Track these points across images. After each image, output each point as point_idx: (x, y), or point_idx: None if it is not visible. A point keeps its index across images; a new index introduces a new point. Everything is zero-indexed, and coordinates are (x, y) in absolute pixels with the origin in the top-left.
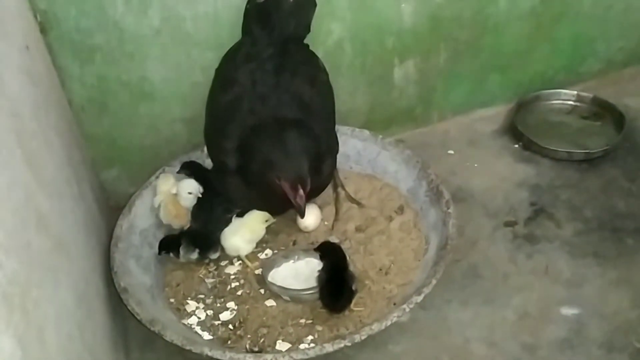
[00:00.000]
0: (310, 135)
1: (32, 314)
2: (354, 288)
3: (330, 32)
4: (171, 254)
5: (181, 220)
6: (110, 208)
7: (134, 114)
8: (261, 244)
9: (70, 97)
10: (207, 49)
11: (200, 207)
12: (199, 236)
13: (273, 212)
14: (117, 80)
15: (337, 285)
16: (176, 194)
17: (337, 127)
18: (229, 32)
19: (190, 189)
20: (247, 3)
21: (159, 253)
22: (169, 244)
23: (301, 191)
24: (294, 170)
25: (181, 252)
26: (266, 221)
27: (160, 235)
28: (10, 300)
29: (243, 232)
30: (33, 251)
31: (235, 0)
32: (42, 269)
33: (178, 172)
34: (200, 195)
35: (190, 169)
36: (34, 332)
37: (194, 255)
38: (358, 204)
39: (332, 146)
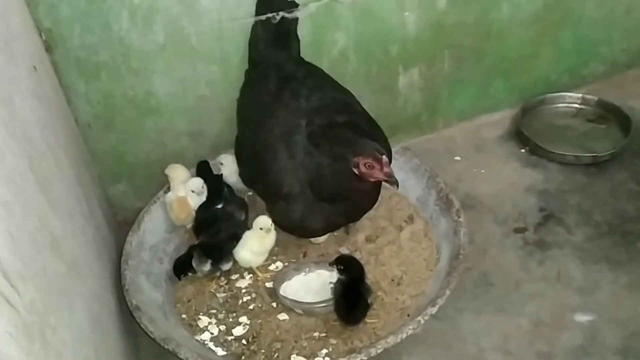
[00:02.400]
0: (364, 131)
1: (50, 341)
2: (369, 301)
3: (335, 42)
4: (189, 274)
5: (184, 220)
6: (118, 223)
7: (140, 129)
8: (271, 256)
9: (76, 115)
10: (212, 63)
11: (209, 219)
12: (211, 247)
13: (351, 218)
14: (123, 96)
15: (352, 298)
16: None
17: None
18: (234, 45)
19: (193, 187)
20: (254, 29)
21: (179, 279)
22: (183, 265)
23: (386, 160)
24: (371, 146)
25: (194, 263)
26: (268, 230)
27: (170, 251)
28: (30, 330)
29: (251, 245)
30: (49, 276)
31: (239, 13)
32: (58, 293)
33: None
34: (204, 195)
35: (203, 171)
36: (53, 359)
37: (207, 266)
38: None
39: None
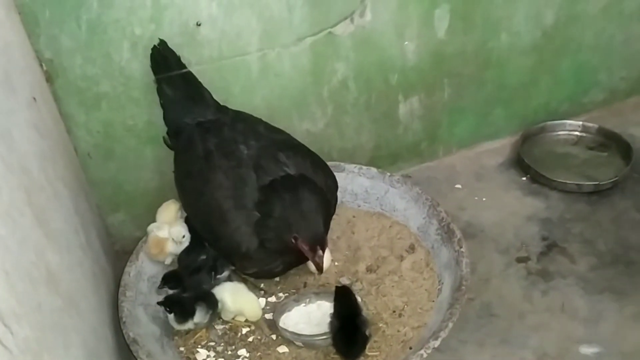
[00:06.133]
0: (317, 188)
1: None
2: (367, 333)
3: (335, 72)
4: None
5: (156, 256)
6: (116, 252)
7: (140, 158)
8: (272, 286)
9: (76, 144)
10: (212, 92)
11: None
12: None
13: (292, 267)
14: (122, 126)
15: (350, 332)
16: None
17: (343, 165)
18: (234, 75)
19: (174, 236)
20: (160, 91)
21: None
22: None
23: (320, 251)
24: (311, 230)
25: (197, 316)
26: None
27: None
28: None
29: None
30: (44, 313)
31: (239, 43)
32: (53, 330)
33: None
34: (183, 245)
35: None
36: None
37: (206, 318)
38: None
39: (334, 184)
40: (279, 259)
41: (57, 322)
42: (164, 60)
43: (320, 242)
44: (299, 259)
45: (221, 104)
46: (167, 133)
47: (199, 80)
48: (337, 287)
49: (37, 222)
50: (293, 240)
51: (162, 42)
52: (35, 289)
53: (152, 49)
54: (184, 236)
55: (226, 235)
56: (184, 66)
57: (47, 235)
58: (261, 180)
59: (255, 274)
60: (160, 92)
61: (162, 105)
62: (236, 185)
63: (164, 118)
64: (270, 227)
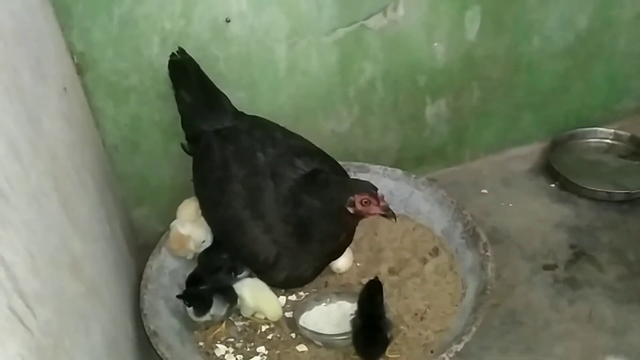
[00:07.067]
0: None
1: None
2: (389, 336)
3: (363, 71)
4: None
5: (176, 251)
6: (139, 246)
7: (165, 153)
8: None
9: (104, 137)
10: (239, 89)
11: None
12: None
13: (334, 257)
14: (149, 120)
15: (371, 333)
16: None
17: (368, 166)
18: (261, 71)
19: (195, 237)
20: (179, 99)
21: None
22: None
23: (382, 195)
24: (363, 184)
25: (214, 308)
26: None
27: None
28: (44, 353)
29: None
30: (66, 298)
31: (267, 40)
32: (75, 315)
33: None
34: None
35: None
36: None
37: (224, 311)
38: None
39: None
40: (306, 262)
41: (79, 308)
42: (182, 68)
43: (376, 191)
44: (331, 255)
45: (246, 102)
46: (186, 139)
47: (217, 87)
48: (370, 280)
49: (63, 209)
50: (351, 202)
51: (181, 50)
52: (59, 274)
53: (171, 57)
54: (203, 241)
55: (245, 245)
56: (202, 74)
57: (72, 222)
58: (279, 187)
59: (284, 283)
60: (178, 98)
61: (180, 112)
62: (253, 195)
63: (182, 124)
64: (317, 210)
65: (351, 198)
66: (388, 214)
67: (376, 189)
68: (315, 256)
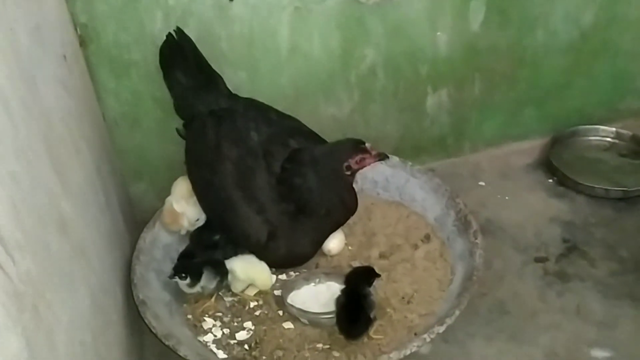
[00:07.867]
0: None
1: (43, 315)
2: (372, 316)
3: (364, 57)
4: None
5: (168, 225)
6: (137, 223)
7: (165, 130)
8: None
9: (104, 111)
10: (240, 69)
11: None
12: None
13: (334, 229)
14: (150, 96)
15: (353, 311)
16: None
17: None
18: (263, 52)
19: (189, 215)
20: (171, 77)
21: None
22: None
23: (370, 145)
24: (349, 144)
25: (204, 279)
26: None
27: None
28: (21, 298)
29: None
30: (51, 254)
31: (271, 22)
32: (60, 273)
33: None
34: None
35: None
36: (43, 334)
37: (213, 284)
38: None
39: None
40: (304, 238)
41: (64, 266)
42: (179, 48)
43: (366, 147)
44: (332, 225)
45: (247, 82)
46: (183, 125)
47: (216, 67)
48: (365, 266)
49: (53, 170)
50: (347, 167)
51: (179, 30)
52: (45, 229)
53: (167, 36)
54: (197, 219)
55: (237, 225)
56: (200, 54)
57: (63, 185)
58: (271, 167)
59: (282, 262)
60: (171, 80)
61: (175, 96)
62: (245, 176)
63: (176, 108)
64: (314, 183)
65: (346, 164)
66: (382, 157)
67: (362, 142)
68: (320, 229)
